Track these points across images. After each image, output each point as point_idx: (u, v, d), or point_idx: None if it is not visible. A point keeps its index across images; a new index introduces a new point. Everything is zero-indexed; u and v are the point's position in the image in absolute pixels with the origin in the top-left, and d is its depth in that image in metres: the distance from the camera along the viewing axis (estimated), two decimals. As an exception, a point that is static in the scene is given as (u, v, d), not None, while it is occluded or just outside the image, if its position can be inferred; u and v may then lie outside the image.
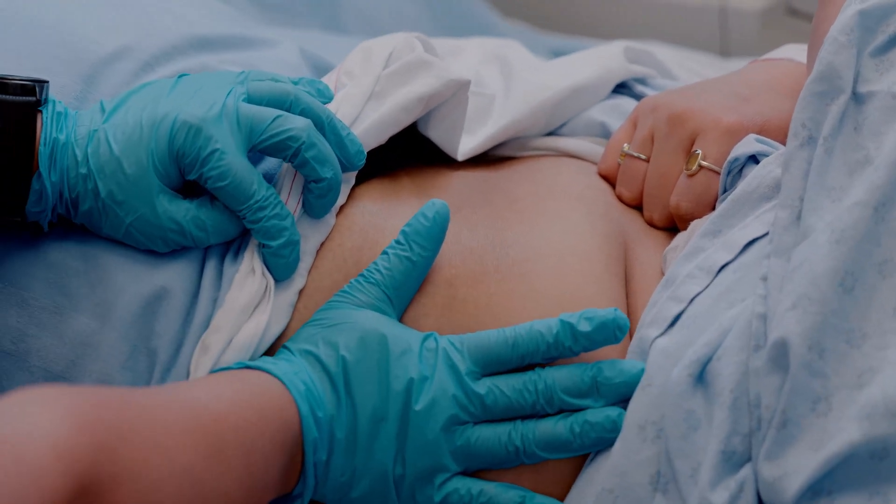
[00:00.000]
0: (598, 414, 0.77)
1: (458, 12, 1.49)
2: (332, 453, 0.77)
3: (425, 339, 0.79)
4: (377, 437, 0.77)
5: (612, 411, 0.77)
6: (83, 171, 0.79)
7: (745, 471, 0.71)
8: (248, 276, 0.81)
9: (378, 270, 0.81)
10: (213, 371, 0.78)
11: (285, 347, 0.79)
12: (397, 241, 0.82)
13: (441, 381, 0.77)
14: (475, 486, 0.78)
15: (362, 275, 0.81)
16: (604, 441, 0.77)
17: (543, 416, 0.78)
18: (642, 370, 0.77)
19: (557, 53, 1.40)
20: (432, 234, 0.82)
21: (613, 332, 0.77)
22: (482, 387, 0.77)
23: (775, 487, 0.68)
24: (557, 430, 0.77)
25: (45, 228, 0.81)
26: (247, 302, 0.80)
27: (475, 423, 0.78)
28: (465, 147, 0.93)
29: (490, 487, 0.78)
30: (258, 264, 0.81)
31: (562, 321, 0.77)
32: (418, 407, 0.77)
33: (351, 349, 0.78)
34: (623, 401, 0.78)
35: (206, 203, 0.81)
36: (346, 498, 0.78)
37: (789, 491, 0.67)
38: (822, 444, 0.68)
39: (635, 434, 0.75)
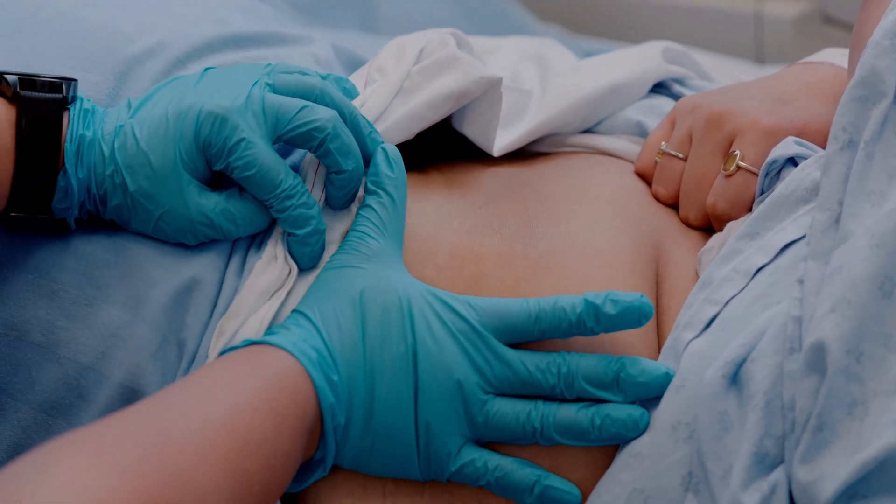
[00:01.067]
0: (622, 410, 0.77)
1: (494, 14, 1.49)
2: (351, 416, 0.77)
3: (441, 298, 0.78)
4: (396, 397, 0.77)
5: (636, 411, 0.77)
6: (111, 166, 0.79)
7: (778, 473, 0.70)
8: (269, 263, 0.81)
9: (368, 219, 0.82)
10: (222, 352, 0.77)
11: (297, 311, 0.79)
12: (368, 192, 0.83)
13: (461, 344, 0.77)
14: (492, 459, 0.78)
15: (355, 229, 0.82)
16: (621, 438, 0.77)
17: (563, 400, 0.78)
18: (666, 373, 0.76)
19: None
20: (395, 177, 0.83)
21: (638, 318, 0.77)
22: (511, 356, 0.78)
23: (810, 490, 0.68)
24: (579, 417, 0.77)
25: (71, 226, 0.82)
26: (265, 287, 0.80)
27: (496, 395, 0.78)
28: (501, 143, 0.93)
29: (506, 462, 0.78)
30: (281, 252, 0.81)
31: (586, 301, 0.77)
32: (437, 369, 0.77)
33: (365, 306, 0.78)
34: (642, 401, 0.78)
35: (235, 195, 0.81)
36: (367, 461, 0.78)
37: (824, 494, 0.67)
38: (859, 448, 0.67)
39: (668, 435, 0.75)
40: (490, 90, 0.90)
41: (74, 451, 0.64)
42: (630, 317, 0.77)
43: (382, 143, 0.85)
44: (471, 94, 0.89)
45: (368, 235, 0.81)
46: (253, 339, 0.77)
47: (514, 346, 0.79)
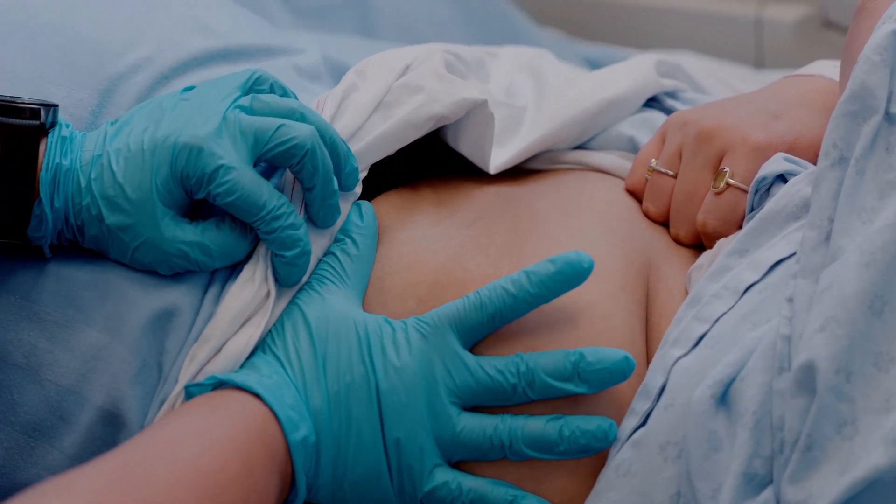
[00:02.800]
0: (591, 422, 0.77)
1: (493, 17, 1.49)
2: (321, 448, 0.77)
3: (394, 322, 0.80)
4: (362, 420, 0.77)
5: (605, 422, 0.77)
6: (87, 198, 0.79)
7: (767, 493, 0.70)
8: (244, 286, 0.81)
9: (330, 266, 0.83)
10: (189, 386, 0.78)
11: (264, 347, 0.80)
12: (335, 240, 0.84)
13: (420, 356, 0.78)
14: (466, 480, 0.78)
15: (315, 273, 0.83)
16: (591, 449, 0.77)
17: (532, 407, 0.78)
18: (625, 357, 0.77)
19: (591, 62, 1.40)
20: (363, 225, 0.85)
21: (575, 276, 0.78)
22: (470, 360, 0.78)
23: (798, 511, 0.68)
24: (547, 430, 0.77)
25: (47, 254, 0.81)
26: (240, 310, 0.80)
27: (461, 410, 0.78)
28: (497, 160, 0.93)
29: (480, 483, 0.78)
30: (260, 272, 0.81)
31: (523, 270, 0.78)
32: (399, 386, 0.77)
33: (323, 334, 0.79)
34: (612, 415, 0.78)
35: (212, 227, 0.81)
36: (341, 492, 0.78)
37: (813, 515, 0.67)
38: (848, 467, 0.67)
39: (656, 454, 0.74)
40: (476, 110, 0.89)
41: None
42: (566, 276, 0.78)
43: (355, 168, 0.85)
44: (453, 115, 0.88)
45: (328, 280, 0.82)
46: (217, 375, 0.77)
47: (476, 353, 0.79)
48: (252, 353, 0.80)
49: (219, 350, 0.80)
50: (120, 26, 0.91)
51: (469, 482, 0.78)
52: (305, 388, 0.78)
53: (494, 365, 0.78)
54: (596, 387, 0.77)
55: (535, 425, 0.77)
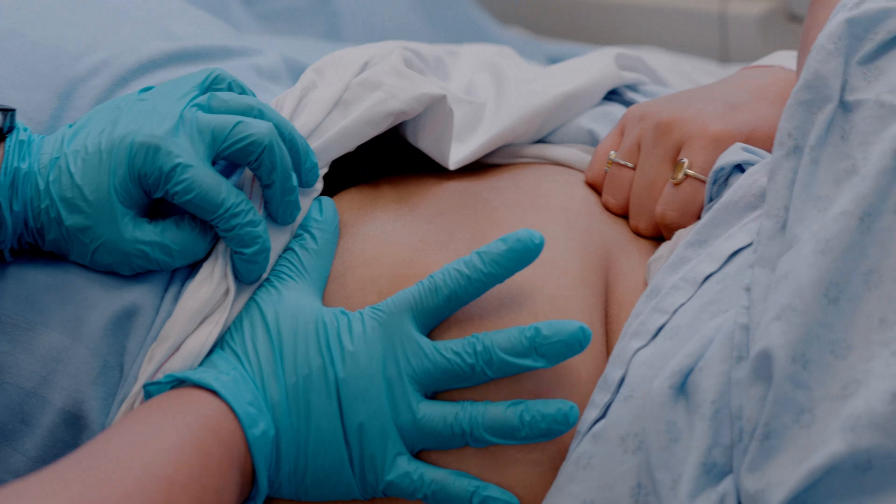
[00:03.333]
0: (551, 405, 0.77)
1: (458, 19, 1.49)
2: (280, 441, 0.77)
3: (350, 313, 0.80)
4: (321, 410, 0.77)
5: (565, 405, 0.77)
6: (45, 200, 0.79)
7: (727, 483, 0.70)
8: (203, 283, 0.81)
9: (289, 262, 0.83)
10: (147, 385, 0.78)
11: (223, 344, 0.80)
12: (295, 236, 0.84)
13: (380, 340, 0.78)
14: (428, 471, 0.78)
15: (273, 270, 0.83)
16: (553, 433, 0.77)
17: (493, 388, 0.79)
18: (579, 328, 0.76)
19: (555, 60, 1.40)
20: (322, 220, 0.85)
21: (527, 252, 0.78)
22: (426, 344, 0.78)
23: (758, 500, 0.68)
24: (507, 415, 0.77)
25: (7, 257, 0.81)
26: (198, 308, 0.80)
27: (423, 398, 0.78)
28: (457, 156, 0.93)
29: (442, 475, 0.78)
30: (219, 270, 0.81)
31: (475, 251, 0.79)
32: (358, 372, 0.77)
33: (278, 328, 0.79)
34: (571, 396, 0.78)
35: (171, 226, 0.81)
36: (303, 485, 0.78)
37: (772, 503, 0.67)
38: (806, 455, 0.67)
39: (616, 446, 0.74)
40: (435, 106, 0.89)
41: None
42: (517, 254, 0.78)
43: (315, 165, 0.85)
44: (412, 111, 0.88)
45: (286, 276, 0.82)
46: (175, 374, 0.77)
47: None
48: (211, 351, 0.80)
49: (177, 348, 0.79)
50: (79, 32, 0.91)
51: (431, 473, 0.78)
52: (263, 382, 0.78)
53: (451, 347, 0.78)
54: (554, 360, 0.77)
55: (496, 411, 0.77)
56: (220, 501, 0.72)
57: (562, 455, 0.78)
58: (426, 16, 1.46)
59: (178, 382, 0.77)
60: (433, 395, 0.79)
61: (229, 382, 0.76)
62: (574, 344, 0.77)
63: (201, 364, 0.79)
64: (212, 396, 0.75)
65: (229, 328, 0.81)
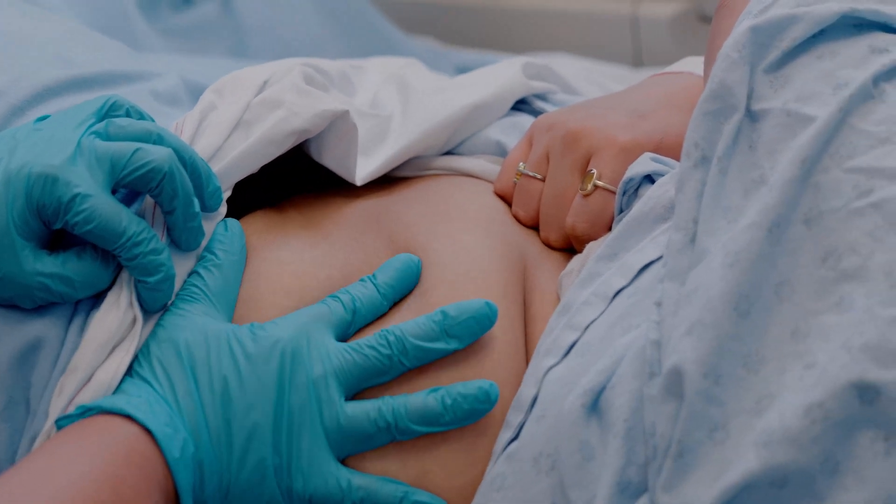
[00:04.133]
0: (471, 386, 0.77)
1: (366, 31, 1.48)
2: (203, 462, 0.76)
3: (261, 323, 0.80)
4: (242, 426, 0.76)
5: (485, 383, 0.77)
6: None
7: (642, 501, 0.69)
8: (109, 312, 0.79)
9: (195, 286, 0.82)
10: (59, 420, 0.76)
11: (132, 372, 0.79)
12: (200, 258, 0.83)
13: (295, 345, 0.78)
14: (355, 478, 0.77)
15: (180, 295, 0.82)
16: (477, 413, 0.77)
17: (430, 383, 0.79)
18: (485, 303, 0.78)
19: (464, 69, 1.39)
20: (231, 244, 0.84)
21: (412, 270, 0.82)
22: (339, 344, 0.79)
23: (674, 518, 0.67)
24: (429, 401, 0.77)
25: None
26: (106, 338, 0.78)
27: (342, 398, 0.78)
28: (364, 171, 0.91)
29: (370, 481, 0.77)
30: (124, 298, 0.79)
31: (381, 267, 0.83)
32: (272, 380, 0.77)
33: (189, 348, 0.78)
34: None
35: (73, 257, 0.79)
36: (226, 501, 0.77)
37: (688, 522, 0.66)
38: (721, 473, 0.66)
39: (530, 466, 0.73)
40: (338, 122, 0.88)
41: None
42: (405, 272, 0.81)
43: (218, 188, 0.84)
44: (315, 128, 0.86)
45: (192, 299, 0.81)
46: (84, 405, 0.75)
47: None
48: (122, 381, 0.78)
49: (88, 379, 0.78)
50: None
51: (358, 479, 0.77)
52: (178, 401, 0.76)
53: (364, 343, 0.78)
54: (466, 339, 0.78)
55: (417, 399, 0.77)
56: None
57: (487, 451, 0.78)
58: (335, 29, 1.45)
59: (89, 412, 0.75)
60: (352, 397, 0.79)
61: (142, 404, 0.75)
62: (483, 319, 0.78)
63: (113, 393, 0.77)
64: (125, 421, 0.74)
65: (137, 356, 0.79)
